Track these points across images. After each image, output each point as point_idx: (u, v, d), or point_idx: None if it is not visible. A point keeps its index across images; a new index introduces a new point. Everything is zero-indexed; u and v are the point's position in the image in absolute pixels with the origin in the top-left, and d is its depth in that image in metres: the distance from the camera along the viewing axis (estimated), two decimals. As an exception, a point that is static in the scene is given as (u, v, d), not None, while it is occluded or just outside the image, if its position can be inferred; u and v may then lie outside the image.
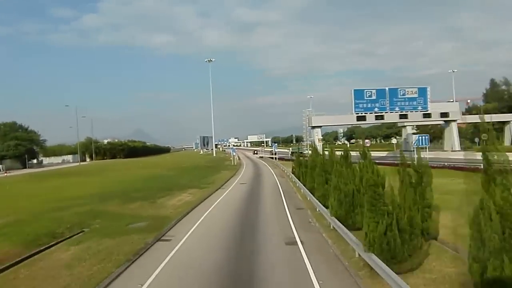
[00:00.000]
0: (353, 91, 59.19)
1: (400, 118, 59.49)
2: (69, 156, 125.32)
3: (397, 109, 60.00)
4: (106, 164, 77.83)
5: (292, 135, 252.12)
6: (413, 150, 74.82)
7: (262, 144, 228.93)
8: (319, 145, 58.23)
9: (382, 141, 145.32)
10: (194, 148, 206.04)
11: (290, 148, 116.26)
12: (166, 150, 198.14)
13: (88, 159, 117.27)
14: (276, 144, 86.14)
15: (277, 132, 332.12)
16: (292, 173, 42.08)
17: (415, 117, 59.88)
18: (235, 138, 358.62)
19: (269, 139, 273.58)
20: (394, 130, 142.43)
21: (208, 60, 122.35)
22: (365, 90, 59.81)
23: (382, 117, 59.17)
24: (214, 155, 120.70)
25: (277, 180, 41.40)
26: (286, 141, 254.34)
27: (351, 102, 58.76)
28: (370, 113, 59.13)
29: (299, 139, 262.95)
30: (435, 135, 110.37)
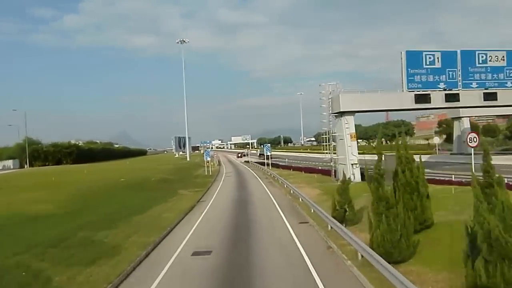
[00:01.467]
0: (404, 54, 33.46)
1: (486, 99, 34.05)
2: (9, 161, 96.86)
3: (474, 84, 34.73)
4: None
5: (279, 136, 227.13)
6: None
7: (247, 146, 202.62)
8: (350, 146, 32.46)
9: (388, 142, 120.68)
10: (173, 150, 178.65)
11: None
12: (138, 153, 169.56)
13: (26, 166, 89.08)
14: (269, 144, 60.00)
15: (263, 134, 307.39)
16: (334, 217, 15.88)
17: (508, 98, 34.57)
18: (219, 140, 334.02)
19: (255, 141, 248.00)
20: (403, 129, 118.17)
21: (180, 41, 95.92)
22: (424, 53, 34.22)
23: (455, 97, 33.64)
24: (188, 159, 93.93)
25: (297, 244, 14.79)
26: (273, 143, 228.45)
27: (401, 73, 33.21)
28: (433, 90, 33.62)
29: (287, 141, 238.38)
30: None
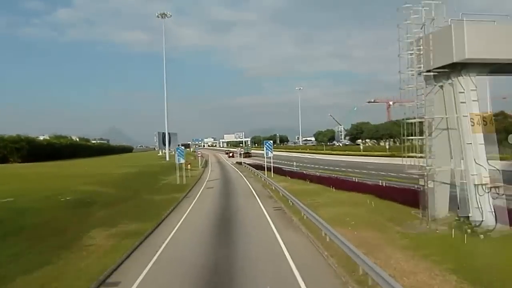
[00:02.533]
0: None
1: None
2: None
3: None
4: None
5: (275, 135, 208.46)
6: None
7: (240, 144, 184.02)
8: (471, 143, 13.97)
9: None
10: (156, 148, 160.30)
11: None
12: (121, 150, 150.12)
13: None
14: (271, 141, 41.04)
15: (256, 132, 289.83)
16: None
17: None
18: (212, 137, 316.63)
19: (248, 139, 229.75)
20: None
21: (161, 15, 77.26)
22: None
23: None
24: (168, 158, 75.26)
25: None
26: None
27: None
28: None
29: (283, 139, 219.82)
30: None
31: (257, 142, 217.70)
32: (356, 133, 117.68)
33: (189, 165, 62.44)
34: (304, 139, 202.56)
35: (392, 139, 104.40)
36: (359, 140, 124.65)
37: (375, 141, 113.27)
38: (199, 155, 65.00)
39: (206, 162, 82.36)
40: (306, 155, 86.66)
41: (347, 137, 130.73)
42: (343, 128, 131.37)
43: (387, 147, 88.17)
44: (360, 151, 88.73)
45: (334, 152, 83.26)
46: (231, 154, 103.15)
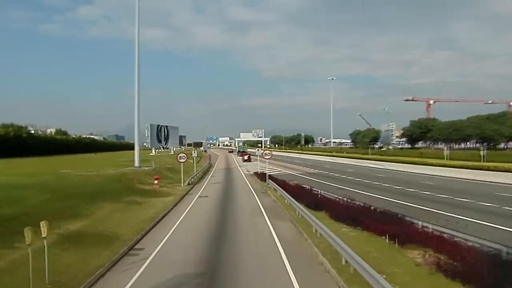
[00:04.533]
0: None
1: None
2: None
3: None
4: None
5: (300, 134, 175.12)
6: None
7: (259, 144, 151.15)
8: None
9: (482, 146, 67.54)
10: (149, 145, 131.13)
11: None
12: (109, 147, 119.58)
13: None
14: None
15: (275, 133, 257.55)
16: None
17: None
18: (228, 137, 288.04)
19: (268, 138, 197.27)
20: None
21: None
22: None
23: None
24: (137, 164, 42.45)
25: None
26: (291, 141, 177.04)
27: None
28: None
29: (308, 140, 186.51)
30: None
31: (278, 142, 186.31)
32: (420, 132, 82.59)
33: (156, 183, 30.14)
34: (327, 140, 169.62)
35: (486, 143, 68.85)
36: (420, 143, 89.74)
37: (449, 144, 77.98)
38: (183, 160, 32.25)
39: (207, 170, 49.96)
40: (352, 162, 53.34)
41: (404, 139, 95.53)
42: (394, 125, 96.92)
43: (482, 154, 52.93)
44: (444, 159, 55.43)
45: (420, 161, 49.33)
46: (246, 157, 70.30)
